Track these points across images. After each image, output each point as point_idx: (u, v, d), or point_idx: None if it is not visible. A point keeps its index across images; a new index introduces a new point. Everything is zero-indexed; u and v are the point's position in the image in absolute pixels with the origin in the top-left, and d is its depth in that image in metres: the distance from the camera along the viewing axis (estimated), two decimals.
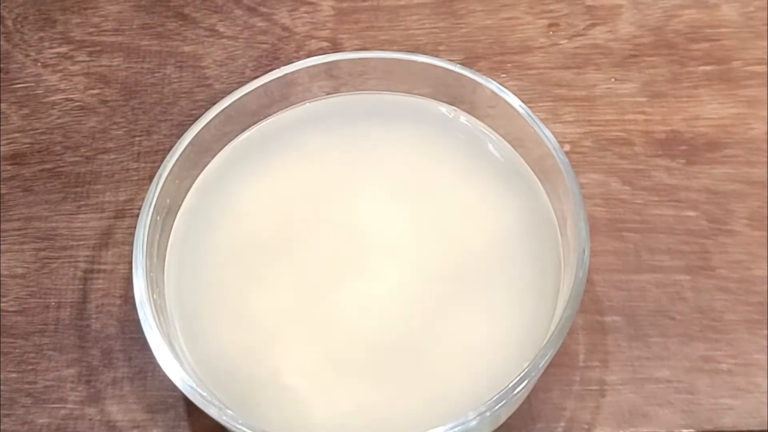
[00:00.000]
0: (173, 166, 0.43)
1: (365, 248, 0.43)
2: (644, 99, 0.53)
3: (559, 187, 0.41)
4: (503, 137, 0.45)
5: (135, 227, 0.41)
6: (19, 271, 0.49)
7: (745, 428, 0.43)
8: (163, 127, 0.53)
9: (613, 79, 0.53)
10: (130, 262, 0.40)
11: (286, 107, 0.47)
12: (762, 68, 0.53)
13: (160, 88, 0.55)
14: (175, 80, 0.55)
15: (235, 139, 0.46)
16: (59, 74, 0.56)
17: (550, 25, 0.56)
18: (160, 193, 0.42)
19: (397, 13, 0.58)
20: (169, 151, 0.43)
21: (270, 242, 0.43)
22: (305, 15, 0.57)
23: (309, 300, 0.42)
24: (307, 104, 0.47)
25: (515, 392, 0.36)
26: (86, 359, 0.46)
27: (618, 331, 0.45)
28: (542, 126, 0.42)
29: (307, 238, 0.43)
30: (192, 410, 0.44)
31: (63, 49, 0.57)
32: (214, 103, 0.44)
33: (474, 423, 0.36)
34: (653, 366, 0.44)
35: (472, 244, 0.43)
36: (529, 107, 0.43)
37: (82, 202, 0.51)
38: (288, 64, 0.46)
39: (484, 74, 0.44)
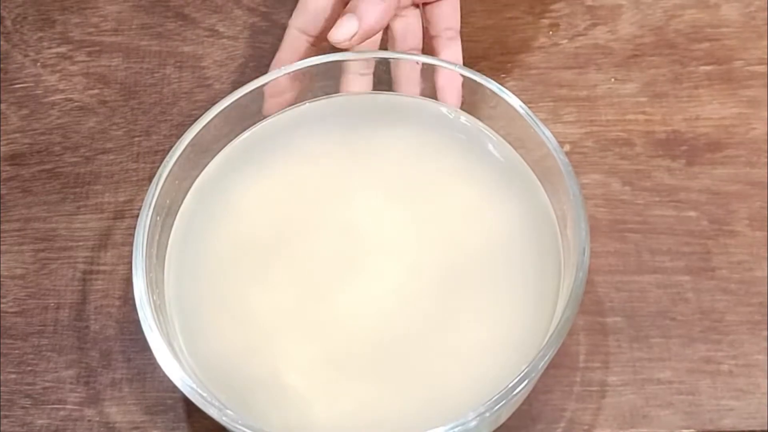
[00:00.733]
0: (173, 166, 0.42)
1: (364, 248, 0.43)
2: (645, 99, 0.52)
3: (559, 187, 0.41)
4: (504, 138, 0.45)
5: (134, 228, 0.41)
6: (18, 271, 0.49)
7: (746, 429, 0.43)
8: (163, 127, 0.53)
9: (613, 79, 0.53)
10: (130, 263, 0.40)
11: (286, 107, 0.47)
12: (763, 68, 0.53)
13: (160, 89, 0.55)
14: (175, 80, 0.55)
15: (235, 140, 0.46)
16: (58, 74, 0.56)
17: (551, 26, 0.56)
18: (159, 193, 0.42)
19: None
20: (168, 151, 0.43)
21: (269, 242, 0.43)
22: None
23: (308, 300, 0.42)
24: (307, 104, 0.47)
25: (515, 393, 0.36)
26: (85, 360, 0.46)
27: (619, 332, 0.45)
28: (542, 126, 0.42)
29: (306, 238, 0.43)
30: (191, 411, 0.44)
31: (62, 49, 0.57)
32: (214, 104, 0.44)
33: (474, 423, 0.36)
34: (654, 367, 0.44)
35: (471, 244, 0.42)
36: (529, 107, 0.43)
37: (81, 203, 0.51)
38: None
39: (485, 74, 0.44)
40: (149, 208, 0.41)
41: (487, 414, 0.36)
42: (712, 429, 0.43)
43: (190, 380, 0.37)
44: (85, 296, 0.48)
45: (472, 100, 0.45)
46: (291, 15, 0.48)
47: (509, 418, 0.42)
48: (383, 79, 0.47)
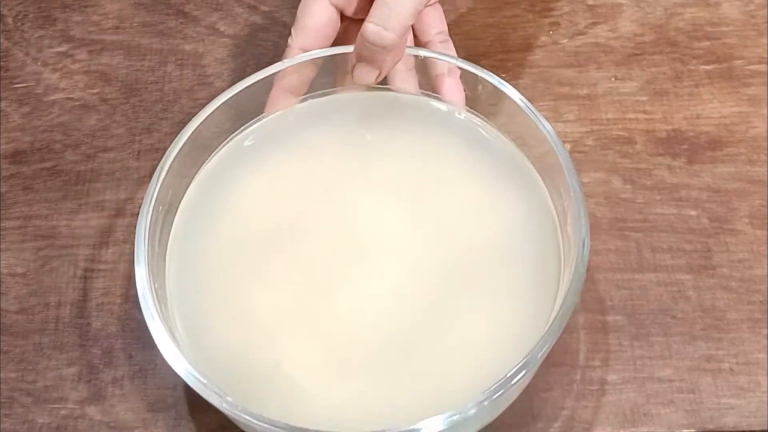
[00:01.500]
0: (173, 161, 0.43)
1: (365, 244, 0.43)
2: (646, 97, 0.52)
3: (560, 182, 0.41)
4: (504, 134, 0.45)
5: (135, 225, 0.41)
6: (19, 269, 0.49)
7: (746, 428, 0.43)
8: (164, 125, 0.53)
9: (614, 78, 0.53)
10: (131, 261, 0.40)
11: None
12: (763, 67, 0.53)
13: (161, 86, 0.55)
14: (176, 78, 0.55)
15: (235, 136, 0.46)
16: (59, 72, 0.56)
17: (552, 24, 0.56)
18: (161, 186, 0.42)
19: None
20: (170, 146, 0.43)
21: (270, 238, 0.43)
22: None
23: (309, 295, 0.42)
24: (309, 101, 0.47)
25: (513, 382, 0.36)
26: (86, 358, 0.46)
27: (619, 330, 0.45)
28: (542, 119, 0.42)
29: (306, 235, 0.43)
30: (193, 408, 0.44)
31: (63, 48, 0.57)
32: (214, 98, 0.44)
33: (473, 411, 0.36)
34: (655, 365, 0.44)
35: (472, 240, 0.43)
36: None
37: (82, 201, 0.51)
38: None
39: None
40: (151, 200, 0.41)
41: (486, 402, 0.36)
42: (713, 427, 0.43)
43: (191, 367, 0.37)
44: (86, 294, 0.48)
45: (472, 96, 0.45)
46: (291, 15, 0.48)
47: (510, 416, 0.42)
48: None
